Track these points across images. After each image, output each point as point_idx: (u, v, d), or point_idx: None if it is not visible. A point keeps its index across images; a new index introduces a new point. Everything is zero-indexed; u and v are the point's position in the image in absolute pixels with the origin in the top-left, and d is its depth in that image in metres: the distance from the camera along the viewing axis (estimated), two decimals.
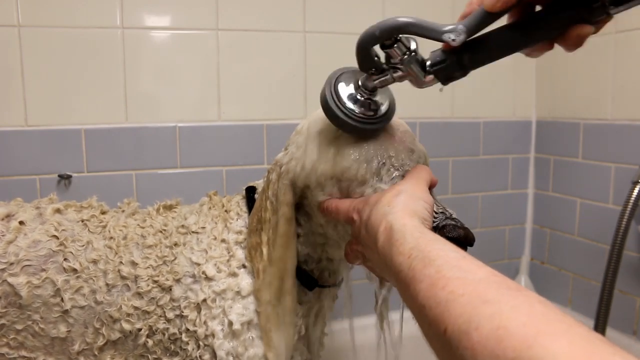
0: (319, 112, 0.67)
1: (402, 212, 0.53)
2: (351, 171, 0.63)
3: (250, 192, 0.79)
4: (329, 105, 0.62)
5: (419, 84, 0.59)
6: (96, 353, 0.74)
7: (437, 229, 0.55)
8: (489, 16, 0.53)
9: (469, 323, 0.36)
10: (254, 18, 1.26)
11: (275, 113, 1.30)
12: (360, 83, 0.63)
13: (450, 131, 1.48)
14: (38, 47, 1.12)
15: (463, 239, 0.54)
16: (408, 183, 0.59)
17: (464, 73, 0.57)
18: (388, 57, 0.59)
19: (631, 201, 1.11)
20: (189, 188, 1.24)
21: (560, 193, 1.49)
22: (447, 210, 0.58)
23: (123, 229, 0.77)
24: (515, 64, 1.52)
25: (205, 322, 0.71)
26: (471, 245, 0.56)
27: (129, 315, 0.72)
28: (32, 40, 1.11)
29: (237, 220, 0.77)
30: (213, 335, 0.70)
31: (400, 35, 0.57)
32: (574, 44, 0.53)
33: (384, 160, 0.63)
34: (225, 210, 0.79)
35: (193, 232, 0.76)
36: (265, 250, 0.71)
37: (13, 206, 0.80)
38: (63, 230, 0.76)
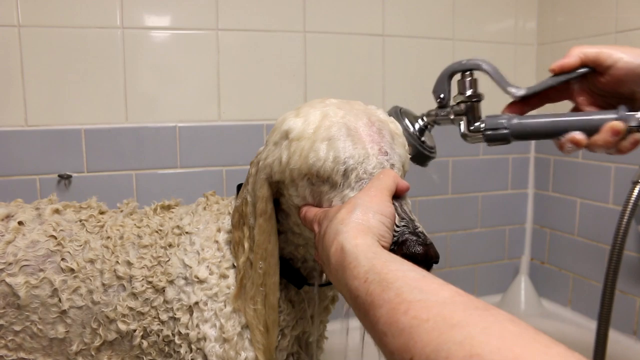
0: (299, 111, 0.66)
1: (354, 230, 0.50)
2: (321, 169, 0.60)
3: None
4: (414, 143, 0.75)
5: (465, 130, 0.70)
6: (93, 353, 0.74)
7: (397, 244, 0.52)
8: (548, 82, 0.65)
9: (438, 352, 0.33)
10: (254, 18, 1.26)
11: (275, 113, 1.28)
12: (423, 115, 0.76)
13: (450, 131, 1.48)
14: (38, 47, 1.12)
15: (422, 256, 0.51)
16: (366, 195, 0.55)
17: (507, 136, 0.66)
18: (458, 92, 0.71)
19: (631, 201, 1.10)
20: (189, 188, 1.24)
21: (560, 193, 1.49)
22: (411, 223, 0.54)
23: (120, 228, 0.77)
24: (515, 63, 1.52)
25: (197, 325, 0.70)
26: (435, 262, 0.52)
27: (124, 315, 0.72)
28: (32, 40, 1.11)
29: (229, 219, 0.76)
30: (205, 338, 0.70)
31: (475, 77, 0.70)
32: (604, 144, 0.61)
33: (354, 164, 0.60)
34: (219, 210, 0.79)
35: (187, 232, 0.76)
36: (247, 245, 0.70)
37: (13, 207, 0.80)
38: (61, 230, 0.76)
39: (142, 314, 0.72)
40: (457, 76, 0.70)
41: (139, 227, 0.77)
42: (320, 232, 0.56)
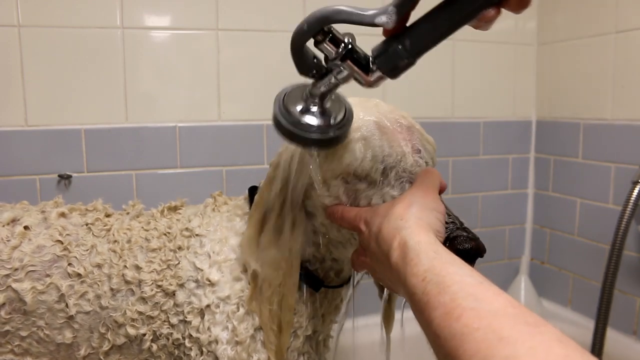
0: None
1: (416, 226, 0.51)
2: (359, 169, 0.61)
3: (253, 192, 0.78)
4: (283, 125, 0.56)
5: (366, 81, 0.54)
6: (102, 358, 0.73)
7: (448, 240, 0.54)
8: None
9: None
10: (254, 18, 1.26)
11: None
12: (307, 93, 0.58)
13: (450, 131, 1.48)
14: (38, 47, 1.11)
15: (474, 251, 0.54)
16: (419, 192, 0.56)
17: (410, 61, 0.52)
18: (326, 57, 0.55)
19: (631, 201, 1.11)
20: (189, 188, 1.24)
21: (560, 193, 1.49)
22: (457, 219, 0.56)
23: (127, 232, 0.76)
24: (515, 63, 1.52)
25: (208, 328, 0.70)
26: (481, 256, 0.55)
27: (133, 320, 0.72)
28: (32, 40, 1.11)
29: (240, 221, 0.76)
30: (216, 341, 0.69)
31: (332, 30, 0.53)
32: (520, 3, 0.47)
33: (393, 163, 0.61)
34: (228, 212, 0.78)
35: (197, 235, 0.75)
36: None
37: (19, 210, 0.79)
38: (67, 234, 0.75)
39: (152, 317, 0.72)
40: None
41: (146, 230, 0.77)
42: (372, 230, 0.56)
